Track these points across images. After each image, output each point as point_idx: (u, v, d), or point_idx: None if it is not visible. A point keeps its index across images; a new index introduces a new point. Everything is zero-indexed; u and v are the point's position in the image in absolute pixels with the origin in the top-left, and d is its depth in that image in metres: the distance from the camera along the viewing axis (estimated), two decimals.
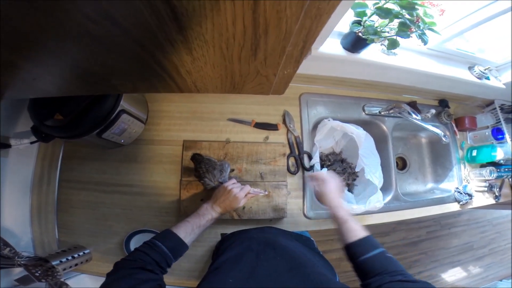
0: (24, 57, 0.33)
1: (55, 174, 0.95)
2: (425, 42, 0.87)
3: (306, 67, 1.07)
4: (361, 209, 0.96)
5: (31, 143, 0.82)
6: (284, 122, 1.07)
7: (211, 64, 0.37)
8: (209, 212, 0.77)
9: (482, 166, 1.31)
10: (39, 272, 0.77)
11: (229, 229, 0.93)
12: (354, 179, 1.23)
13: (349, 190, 1.21)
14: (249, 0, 0.26)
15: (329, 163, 1.23)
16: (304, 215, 1.02)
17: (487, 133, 1.27)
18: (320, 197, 0.80)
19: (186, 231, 0.69)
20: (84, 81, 0.40)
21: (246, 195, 0.84)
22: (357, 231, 0.65)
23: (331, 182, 0.80)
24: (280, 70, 0.42)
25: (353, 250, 0.62)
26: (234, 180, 0.87)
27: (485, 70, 1.14)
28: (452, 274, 2.58)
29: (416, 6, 0.80)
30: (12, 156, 0.84)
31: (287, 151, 1.04)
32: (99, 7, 0.24)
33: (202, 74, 0.40)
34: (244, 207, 0.95)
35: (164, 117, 1.01)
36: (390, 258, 0.59)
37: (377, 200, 0.97)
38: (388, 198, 1.15)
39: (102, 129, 0.74)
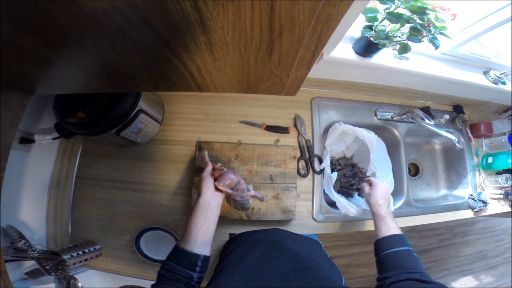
0: (61, 54, 0.36)
1: (73, 170, 0.99)
2: (436, 47, 0.87)
3: (317, 72, 1.08)
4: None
5: (54, 139, 0.86)
6: (295, 125, 1.09)
7: (230, 65, 0.39)
8: (202, 204, 0.67)
9: (498, 173, 1.28)
10: (49, 265, 0.79)
11: (238, 230, 0.95)
12: None
13: (359, 195, 1.21)
14: (266, 6, 0.28)
15: (340, 168, 1.23)
16: (313, 218, 1.02)
17: (503, 140, 1.24)
18: (368, 197, 0.85)
19: (190, 241, 0.62)
20: (111, 79, 0.43)
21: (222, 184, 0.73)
22: (392, 228, 0.68)
23: (382, 185, 0.86)
24: (293, 71, 0.43)
25: (382, 244, 0.65)
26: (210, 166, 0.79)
27: (500, 74, 1.12)
28: (463, 283, 2.49)
29: (427, 11, 0.80)
30: (34, 151, 0.88)
31: (298, 154, 1.05)
32: (138, 11, 0.27)
33: (221, 74, 0.42)
34: (253, 208, 0.96)
35: (178, 118, 1.04)
36: (415, 257, 0.60)
37: None
38: (399, 203, 1.14)
39: (121, 127, 0.78)
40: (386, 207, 0.78)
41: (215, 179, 0.73)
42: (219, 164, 0.80)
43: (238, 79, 0.44)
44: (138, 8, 0.26)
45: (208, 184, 0.70)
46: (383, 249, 0.64)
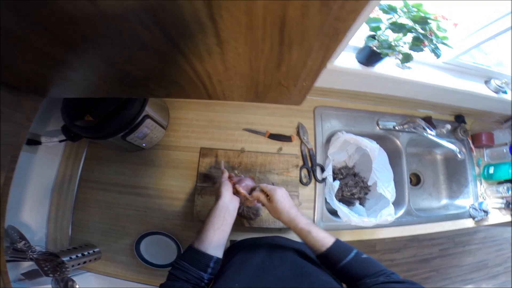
0: (79, 58, 0.37)
1: (77, 173, 1.00)
2: (438, 56, 0.88)
3: (321, 81, 1.08)
4: (372, 222, 0.96)
5: (60, 141, 0.87)
6: (298, 134, 1.10)
7: (240, 75, 0.41)
8: (220, 207, 0.68)
9: (500, 183, 1.28)
10: (48, 266, 0.79)
11: (239, 237, 0.95)
12: (366, 193, 1.23)
13: (361, 204, 1.21)
14: (278, 21, 0.29)
15: (342, 177, 1.24)
16: None
17: (505, 150, 1.24)
18: (273, 212, 0.70)
19: (205, 242, 0.62)
20: (125, 84, 0.45)
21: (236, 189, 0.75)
22: (324, 239, 0.61)
23: (279, 192, 0.70)
24: (300, 81, 0.45)
25: (327, 260, 0.60)
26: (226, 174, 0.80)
27: (502, 84, 1.12)
28: None
29: (429, 21, 0.82)
30: (40, 153, 0.89)
31: (300, 163, 1.06)
32: (158, 20, 0.28)
33: (231, 83, 0.44)
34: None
35: (183, 124, 1.06)
36: (367, 259, 0.58)
37: (389, 213, 0.97)
38: (401, 212, 1.14)
39: (128, 132, 0.79)
40: (301, 216, 0.67)
41: (233, 184, 0.75)
42: (236, 171, 0.82)
43: (246, 88, 0.46)
44: (156, 16, 0.27)
45: (227, 187, 0.72)
46: (332, 264, 0.58)
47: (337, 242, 0.61)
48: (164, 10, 0.26)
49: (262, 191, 0.72)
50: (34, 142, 0.84)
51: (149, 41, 0.32)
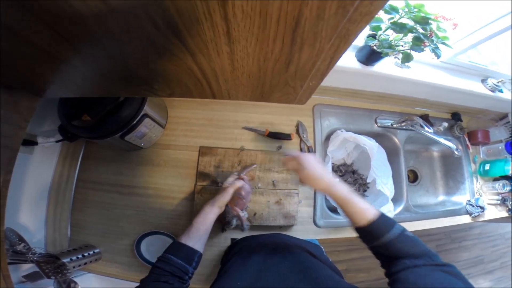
0: (81, 56, 0.36)
1: (74, 173, 0.98)
2: (438, 56, 0.88)
3: None
4: None
5: (57, 141, 0.85)
6: (297, 132, 1.09)
7: (247, 74, 0.40)
8: (211, 210, 0.73)
9: (495, 179, 1.30)
10: (49, 268, 0.78)
11: (239, 235, 0.95)
12: (365, 190, 1.24)
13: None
14: (291, 21, 0.28)
15: (341, 174, 1.24)
16: (314, 223, 1.03)
17: (500, 147, 1.27)
18: (307, 180, 0.66)
19: (194, 237, 0.66)
20: (127, 84, 0.43)
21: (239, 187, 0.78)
22: (365, 212, 0.56)
23: (310, 158, 0.67)
24: (307, 81, 0.44)
25: (369, 234, 0.55)
26: (234, 177, 0.81)
27: (498, 82, 1.14)
28: None
29: (430, 21, 0.82)
30: (37, 153, 0.87)
31: None
32: (168, 17, 0.27)
33: (237, 83, 0.43)
34: (255, 214, 0.96)
35: (181, 123, 1.04)
36: (412, 238, 0.52)
37: (388, 210, 0.98)
38: (399, 209, 1.15)
39: (126, 131, 0.78)
40: (339, 183, 0.62)
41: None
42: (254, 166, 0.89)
43: (252, 88, 0.45)
44: (168, 15, 0.26)
45: (226, 195, 0.76)
46: (371, 239, 0.54)
47: (382, 218, 0.55)
48: (177, 9, 0.25)
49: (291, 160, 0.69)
50: (30, 142, 0.81)
51: (157, 40, 0.31)
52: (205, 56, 0.34)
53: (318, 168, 0.65)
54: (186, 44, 0.32)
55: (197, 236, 0.67)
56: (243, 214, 0.81)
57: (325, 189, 0.63)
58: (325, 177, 0.63)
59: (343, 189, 0.60)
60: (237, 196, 0.78)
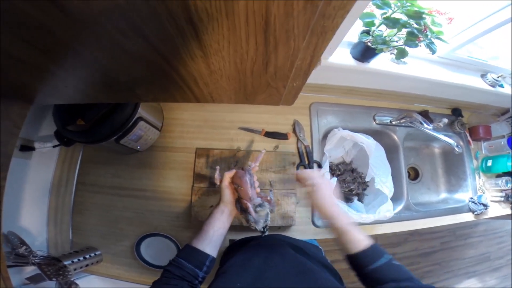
0: (60, 65, 0.36)
1: (73, 177, 0.99)
2: (433, 51, 0.87)
3: (316, 77, 1.08)
4: (370, 218, 0.96)
5: (54, 146, 0.87)
6: (294, 131, 1.09)
7: (226, 77, 0.40)
8: (216, 211, 0.71)
9: (498, 176, 1.27)
10: (51, 270, 0.79)
11: (238, 236, 0.94)
12: (364, 189, 1.23)
13: (359, 200, 1.21)
14: (261, 20, 0.28)
15: (339, 173, 1.23)
16: (313, 224, 1.02)
17: (502, 143, 1.24)
18: (314, 203, 0.70)
19: (203, 240, 0.65)
20: (111, 90, 0.44)
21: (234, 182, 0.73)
22: (359, 242, 0.59)
23: (324, 185, 0.70)
24: (289, 82, 0.44)
25: (358, 261, 0.58)
26: (217, 171, 0.79)
27: (498, 77, 1.12)
28: (467, 285, 2.48)
29: (424, 15, 0.80)
30: (35, 159, 0.89)
31: (297, 160, 1.05)
32: (133, 24, 0.27)
33: (218, 86, 0.43)
34: None
35: (178, 125, 1.05)
36: (397, 265, 0.56)
37: (387, 209, 0.97)
38: (399, 207, 1.13)
39: (121, 135, 0.78)
40: (343, 215, 0.66)
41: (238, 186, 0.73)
42: (263, 151, 0.80)
43: (235, 90, 0.45)
44: (133, 23, 0.27)
45: (226, 192, 0.72)
46: (363, 265, 0.57)
47: (373, 247, 0.58)
48: (138, 13, 0.25)
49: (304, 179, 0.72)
50: (27, 148, 0.83)
51: (128, 47, 0.31)
52: (179, 61, 0.34)
53: (329, 196, 0.69)
54: (158, 50, 0.32)
55: (206, 239, 0.65)
56: (252, 204, 0.70)
57: (328, 218, 0.67)
58: (332, 208, 0.67)
59: (344, 220, 0.64)
60: (235, 187, 0.72)
